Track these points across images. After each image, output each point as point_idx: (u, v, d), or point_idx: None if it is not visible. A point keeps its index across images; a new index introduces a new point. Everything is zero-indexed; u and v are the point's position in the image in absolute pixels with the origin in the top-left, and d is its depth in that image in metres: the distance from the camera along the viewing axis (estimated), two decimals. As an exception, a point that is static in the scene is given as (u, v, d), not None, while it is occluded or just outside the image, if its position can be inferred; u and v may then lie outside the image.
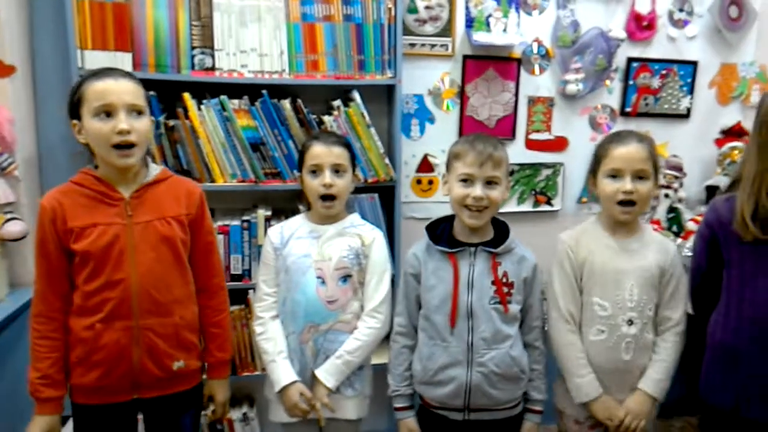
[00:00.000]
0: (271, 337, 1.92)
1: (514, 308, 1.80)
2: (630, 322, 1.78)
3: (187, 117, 2.19)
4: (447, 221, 1.89)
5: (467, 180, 1.75)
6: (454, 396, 1.79)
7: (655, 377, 1.80)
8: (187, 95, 2.18)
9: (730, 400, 1.67)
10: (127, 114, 1.59)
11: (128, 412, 1.76)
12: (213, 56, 2.20)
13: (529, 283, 1.84)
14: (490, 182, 1.76)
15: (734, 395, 1.66)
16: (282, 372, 1.88)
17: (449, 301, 1.78)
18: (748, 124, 1.66)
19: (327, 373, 1.88)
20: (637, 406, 1.80)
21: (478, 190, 1.74)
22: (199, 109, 2.19)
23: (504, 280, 1.79)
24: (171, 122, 2.19)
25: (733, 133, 2.83)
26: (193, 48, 2.18)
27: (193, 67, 2.19)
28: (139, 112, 1.62)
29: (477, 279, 1.78)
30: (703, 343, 1.77)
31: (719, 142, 2.83)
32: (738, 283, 1.66)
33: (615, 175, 1.77)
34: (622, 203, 1.76)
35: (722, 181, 2.59)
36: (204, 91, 2.23)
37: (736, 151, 2.68)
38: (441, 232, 1.86)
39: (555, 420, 2.00)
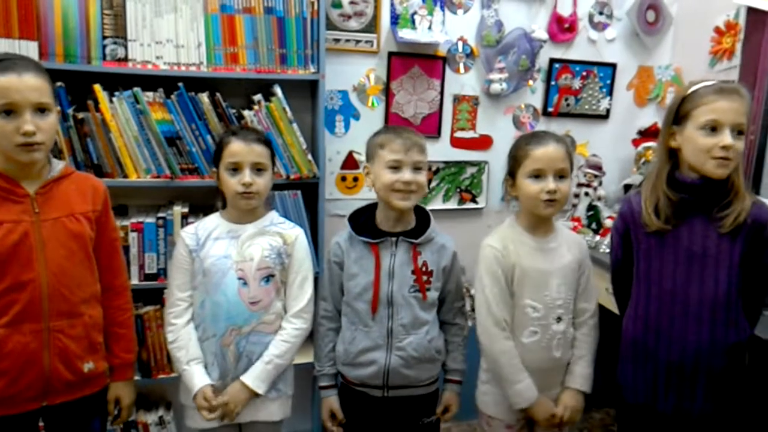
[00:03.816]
0: (183, 346, 1.86)
1: (433, 295, 1.87)
2: (558, 319, 1.81)
3: (97, 109, 2.10)
4: (369, 211, 1.91)
5: (396, 166, 1.80)
6: (374, 377, 1.86)
7: (583, 372, 1.85)
8: (98, 87, 2.09)
9: (643, 395, 1.71)
10: (32, 114, 1.49)
11: (32, 422, 1.66)
12: (126, 47, 2.11)
13: (448, 270, 1.90)
14: (416, 167, 1.81)
15: (646, 390, 1.70)
16: (196, 377, 1.83)
17: (371, 289, 1.83)
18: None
19: (258, 380, 1.84)
20: (572, 401, 1.84)
21: (407, 174, 1.79)
22: (111, 101, 2.11)
23: (424, 269, 1.85)
24: (80, 115, 2.09)
25: (649, 133, 2.92)
26: (104, 38, 2.09)
27: (104, 57, 2.10)
28: (46, 110, 1.52)
29: (398, 268, 1.83)
30: (620, 337, 1.81)
31: (636, 143, 2.93)
32: (645, 277, 1.71)
33: (538, 175, 1.77)
34: (545, 201, 1.77)
35: (638, 180, 2.68)
36: (116, 82, 2.14)
37: (651, 151, 2.76)
38: (364, 221, 1.89)
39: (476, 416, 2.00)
